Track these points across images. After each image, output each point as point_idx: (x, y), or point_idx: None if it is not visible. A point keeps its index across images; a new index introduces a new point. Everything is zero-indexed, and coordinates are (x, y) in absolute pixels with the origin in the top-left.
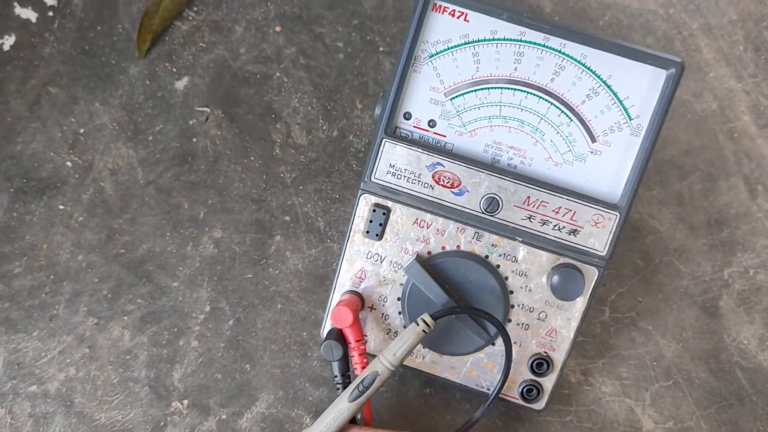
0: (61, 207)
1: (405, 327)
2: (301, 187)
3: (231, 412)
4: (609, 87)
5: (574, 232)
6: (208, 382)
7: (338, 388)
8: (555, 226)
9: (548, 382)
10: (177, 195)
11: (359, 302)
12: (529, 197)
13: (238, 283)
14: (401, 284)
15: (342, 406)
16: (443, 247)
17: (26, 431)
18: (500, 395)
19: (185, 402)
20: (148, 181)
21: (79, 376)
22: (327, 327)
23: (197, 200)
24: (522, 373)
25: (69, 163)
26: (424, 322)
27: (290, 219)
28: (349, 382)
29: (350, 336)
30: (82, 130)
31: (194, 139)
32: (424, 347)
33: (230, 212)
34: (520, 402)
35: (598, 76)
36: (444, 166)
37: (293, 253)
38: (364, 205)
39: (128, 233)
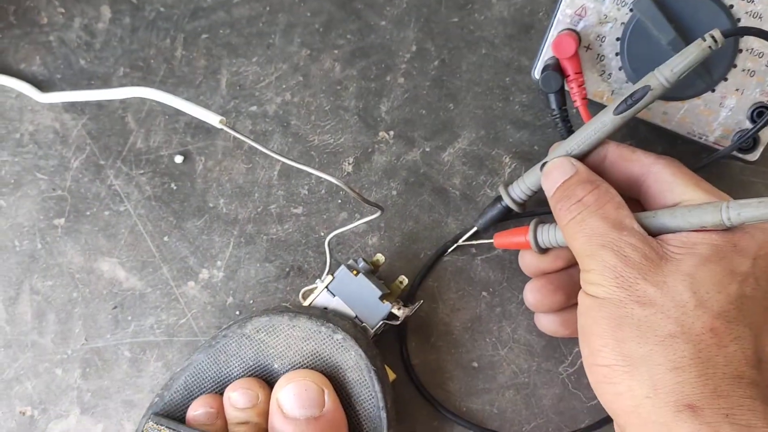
0: None
1: (621, 69)
2: None
3: (434, 146)
4: None
5: None
6: (413, 117)
7: (556, 123)
8: None
9: (766, 133)
10: None
11: (577, 39)
12: None
13: (443, 26)
14: (623, 23)
15: (605, 119)
16: None
17: (247, 146)
18: (713, 144)
19: (391, 132)
20: None
21: (294, 101)
22: (541, 64)
23: None
24: (740, 122)
25: None
26: (713, 37)
27: None
28: (567, 116)
29: (569, 68)
30: None
31: None
32: None
33: None
34: (734, 153)
35: None
36: None
37: (499, 1)
38: None
39: None
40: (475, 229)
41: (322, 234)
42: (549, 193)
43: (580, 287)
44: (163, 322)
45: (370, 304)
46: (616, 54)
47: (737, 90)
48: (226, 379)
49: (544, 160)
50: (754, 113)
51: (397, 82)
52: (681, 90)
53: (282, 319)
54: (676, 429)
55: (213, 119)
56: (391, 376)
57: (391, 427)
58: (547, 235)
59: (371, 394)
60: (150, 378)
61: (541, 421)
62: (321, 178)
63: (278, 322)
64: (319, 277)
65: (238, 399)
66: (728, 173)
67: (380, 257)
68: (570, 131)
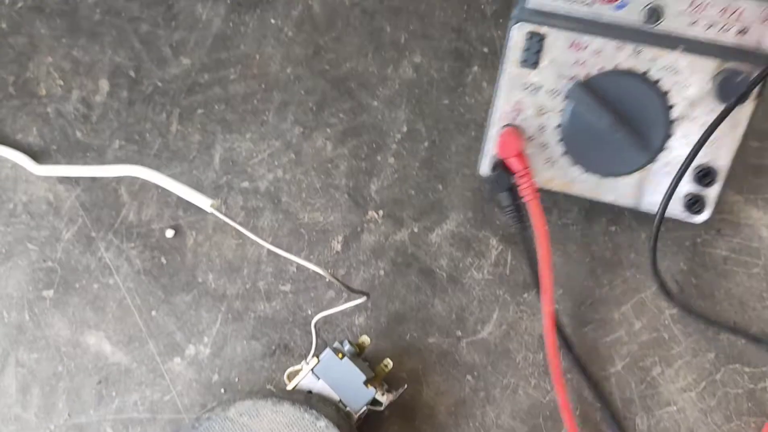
0: (272, 21)
1: (564, 154)
2: (500, 20)
3: (422, 227)
4: None
5: (741, 32)
6: (402, 197)
7: (510, 219)
8: (721, 28)
9: (712, 193)
10: (380, 18)
11: (519, 134)
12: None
13: (434, 108)
14: (560, 111)
15: None
16: (601, 68)
17: (239, 221)
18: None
19: (380, 212)
20: (353, 2)
21: (285, 177)
22: (487, 162)
23: (399, 25)
24: (685, 186)
25: None
26: None
27: (488, 51)
28: (520, 208)
29: (516, 166)
30: None
31: None
32: (585, 171)
33: (430, 39)
34: (683, 216)
35: None
36: None
37: (489, 84)
38: (518, 33)
39: (333, 51)
40: None
41: (310, 312)
42: None
43: None
44: (148, 399)
45: (354, 388)
46: (559, 140)
47: (678, 157)
48: None
49: None
50: (698, 175)
51: (387, 162)
52: (624, 166)
53: (266, 403)
54: None
55: (204, 203)
56: None
57: None
58: None
59: None
60: None
61: None
62: (310, 256)
63: (262, 407)
64: (305, 356)
65: None
66: (711, 262)
67: (366, 339)
68: (523, 222)
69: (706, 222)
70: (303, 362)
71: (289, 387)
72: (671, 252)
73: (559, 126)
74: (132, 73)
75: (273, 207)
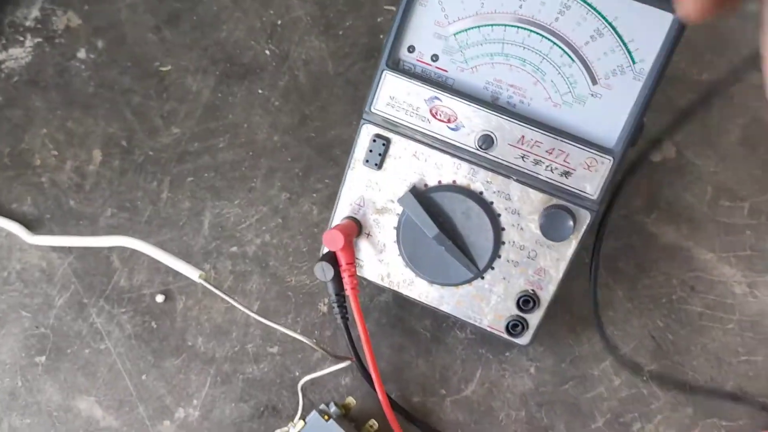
0: (260, 91)
1: (398, 255)
2: None
3: None
4: (614, 29)
5: (566, 173)
6: None
7: (334, 307)
8: (548, 166)
9: (534, 319)
10: (363, 88)
11: (356, 228)
12: (523, 136)
13: None
14: (398, 214)
15: None
16: (440, 181)
17: (227, 285)
18: (488, 328)
19: None
20: (337, 72)
21: (273, 242)
22: (324, 249)
23: None
24: (509, 309)
25: (267, 52)
26: None
27: None
28: (344, 301)
29: (342, 259)
30: (279, 22)
31: (381, 36)
32: (416, 275)
33: None
34: (505, 336)
35: (604, 17)
36: (441, 101)
37: None
38: (365, 134)
39: (318, 119)
40: None
41: (297, 374)
42: None
43: None
44: None
45: None
46: (395, 241)
47: (504, 279)
48: None
49: None
50: (521, 301)
51: None
52: (451, 277)
53: None
54: None
55: (193, 274)
56: None
57: None
58: None
59: None
60: None
61: None
62: (297, 318)
63: None
64: (293, 417)
65: None
66: (687, 318)
67: (351, 401)
68: (345, 316)
69: (681, 279)
70: (290, 424)
71: None
72: (647, 309)
73: (395, 228)
74: (124, 143)
75: (261, 271)
